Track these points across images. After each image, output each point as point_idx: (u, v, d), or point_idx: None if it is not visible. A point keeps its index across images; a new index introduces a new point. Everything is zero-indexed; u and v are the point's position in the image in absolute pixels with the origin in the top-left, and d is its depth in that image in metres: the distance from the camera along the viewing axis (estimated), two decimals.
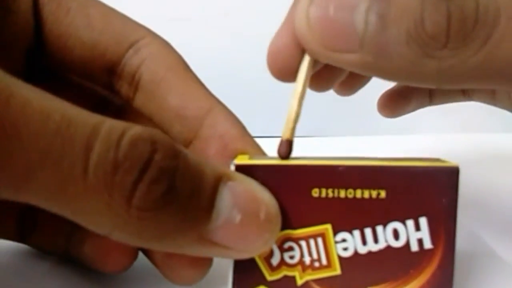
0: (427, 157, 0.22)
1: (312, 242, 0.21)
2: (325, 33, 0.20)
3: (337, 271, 0.21)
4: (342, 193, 0.20)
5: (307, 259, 0.21)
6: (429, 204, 0.20)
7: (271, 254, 0.21)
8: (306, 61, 0.22)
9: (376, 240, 0.21)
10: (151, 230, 0.18)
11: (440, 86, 0.21)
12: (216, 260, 0.22)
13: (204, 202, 0.18)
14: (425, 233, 0.20)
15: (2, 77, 0.16)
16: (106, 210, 0.17)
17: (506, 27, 0.19)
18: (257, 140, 0.24)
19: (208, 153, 0.23)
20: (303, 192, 0.20)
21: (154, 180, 0.17)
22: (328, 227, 0.21)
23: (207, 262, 0.22)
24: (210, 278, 0.22)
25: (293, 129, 0.21)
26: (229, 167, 0.20)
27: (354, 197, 0.20)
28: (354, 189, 0.20)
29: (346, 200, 0.20)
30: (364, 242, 0.21)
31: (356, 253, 0.21)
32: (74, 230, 0.24)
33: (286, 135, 0.21)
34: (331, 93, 0.34)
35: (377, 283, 0.21)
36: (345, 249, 0.21)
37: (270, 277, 0.21)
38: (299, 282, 0.21)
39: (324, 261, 0.21)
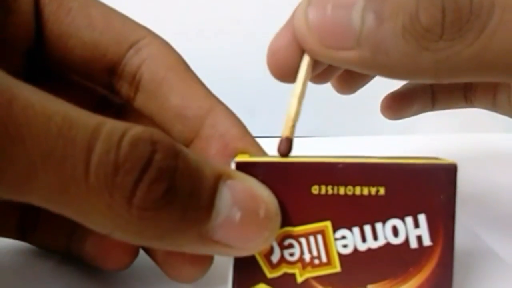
0: (425, 156, 0.22)
1: (312, 239, 0.21)
2: (323, 32, 0.20)
3: (337, 268, 0.21)
4: (342, 190, 0.20)
5: (307, 256, 0.21)
6: (428, 201, 0.20)
7: (271, 251, 0.21)
8: (305, 60, 0.22)
9: (375, 237, 0.21)
10: (152, 229, 0.18)
11: (438, 80, 0.21)
12: (216, 258, 0.22)
13: (204, 201, 0.18)
14: (424, 230, 0.21)
15: (4, 79, 0.16)
16: (108, 210, 0.17)
17: (500, 18, 0.19)
18: (257, 140, 0.24)
19: (209, 153, 0.23)
20: (302, 189, 0.20)
21: (154, 180, 0.17)
22: (327, 224, 0.21)
23: (207, 260, 0.22)
24: (210, 276, 0.23)
25: (293, 127, 0.21)
26: (229, 166, 0.21)
27: (354, 194, 0.20)
28: (354, 186, 0.20)
29: (346, 197, 0.20)
30: (363, 239, 0.21)
31: (355, 250, 0.21)
32: (75, 228, 0.24)
33: (286, 133, 0.21)
34: (331, 93, 0.34)
35: (376, 281, 0.21)
36: (345, 246, 0.21)
37: (270, 274, 0.21)
38: (299, 279, 0.21)
39: (324, 259, 0.21)
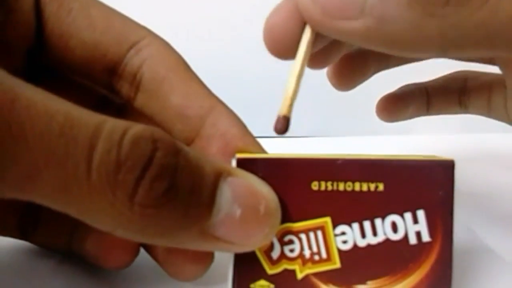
0: (423, 154, 0.22)
1: (312, 235, 0.21)
2: (327, 2, 0.20)
3: (337, 264, 0.21)
4: (341, 186, 0.21)
5: (307, 252, 0.21)
6: (426, 197, 0.21)
7: (271, 247, 0.21)
8: (306, 35, 0.21)
9: (375, 233, 0.21)
10: (153, 226, 0.18)
11: (444, 53, 0.21)
12: (216, 254, 0.23)
13: (205, 198, 0.18)
14: (423, 226, 0.21)
15: (6, 78, 0.16)
16: (110, 208, 0.17)
17: None
18: (258, 140, 0.24)
19: (209, 152, 0.23)
20: (302, 185, 0.21)
21: (156, 177, 0.17)
22: (327, 220, 0.21)
23: (208, 258, 0.22)
24: (210, 273, 0.23)
25: (291, 106, 0.21)
26: (230, 164, 0.21)
27: (353, 190, 0.21)
28: (353, 182, 0.21)
29: (345, 193, 0.21)
30: (363, 235, 0.21)
31: (355, 246, 0.21)
32: (76, 227, 0.24)
33: (283, 112, 0.21)
34: (331, 93, 0.34)
35: (376, 277, 0.21)
36: (345, 242, 0.21)
37: (270, 270, 0.21)
38: (299, 275, 0.21)
39: (324, 255, 0.21)
